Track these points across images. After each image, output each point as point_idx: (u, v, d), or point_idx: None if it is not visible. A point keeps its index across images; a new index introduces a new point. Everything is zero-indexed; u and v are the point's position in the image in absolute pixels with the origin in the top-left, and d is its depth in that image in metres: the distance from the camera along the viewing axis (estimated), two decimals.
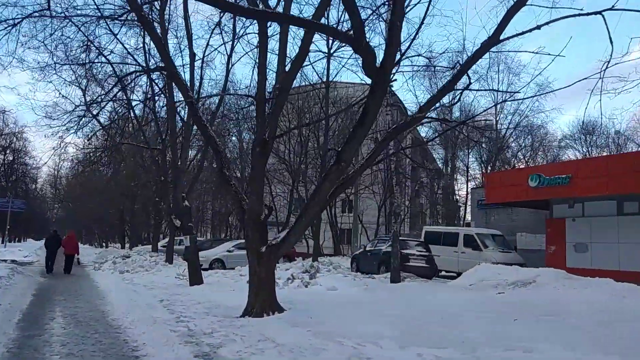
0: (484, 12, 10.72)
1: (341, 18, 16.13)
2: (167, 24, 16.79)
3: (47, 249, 20.39)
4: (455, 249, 20.53)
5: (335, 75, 25.01)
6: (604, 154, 41.20)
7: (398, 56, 10.82)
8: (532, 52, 9.35)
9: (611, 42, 8.82)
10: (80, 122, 15.30)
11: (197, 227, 44.22)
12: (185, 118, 17.96)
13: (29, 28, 12.56)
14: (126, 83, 14.07)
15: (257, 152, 9.73)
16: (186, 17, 15.69)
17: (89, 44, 14.41)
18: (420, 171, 38.61)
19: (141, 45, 18.12)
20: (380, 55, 8.23)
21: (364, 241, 35.21)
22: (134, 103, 20.10)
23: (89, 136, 18.51)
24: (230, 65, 16.78)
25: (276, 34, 11.92)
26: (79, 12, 11.35)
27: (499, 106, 35.90)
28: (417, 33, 7.86)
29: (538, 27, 9.17)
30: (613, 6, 8.25)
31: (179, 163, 16.44)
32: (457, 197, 41.45)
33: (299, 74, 13.83)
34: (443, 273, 20.23)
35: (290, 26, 12.01)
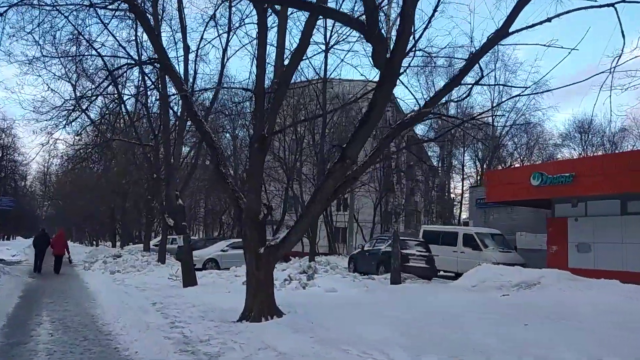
0: (491, 2, 10.28)
1: (340, 7, 15.67)
2: (160, 15, 16.25)
3: (36, 247, 19.94)
4: (454, 249, 20.17)
5: (333, 71, 24.55)
6: (599, 152, 41.14)
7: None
8: (544, 45, 8.89)
9: (623, 35, 8.42)
10: (70, 117, 14.76)
11: (190, 226, 43.64)
12: (178, 113, 17.43)
13: (16, 19, 12.02)
14: (117, 76, 13.51)
15: (256, 148, 9.28)
16: (180, 8, 15.20)
17: (78, 36, 13.87)
18: (416, 169, 38.30)
19: (133, 38, 17.53)
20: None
21: (359, 240, 34.89)
22: (125, 98, 19.52)
23: (79, 132, 17.93)
24: (225, 60, 16.29)
25: (275, 26, 11.43)
26: (68, 0, 10.78)
27: (496, 103, 35.72)
28: (429, 22, 7.37)
29: (549, 20, 8.76)
30: None
31: (172, 160, 15.89)
32: (454, 196, 41.18)
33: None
34: (441, 273, 19.86)
35: (288, 19, 11.57)
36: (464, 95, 10.40)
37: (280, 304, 9.47)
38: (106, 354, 6.49)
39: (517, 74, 36.46)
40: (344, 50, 29.70)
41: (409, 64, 8.64)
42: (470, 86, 8.99)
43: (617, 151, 38.19)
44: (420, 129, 38.51)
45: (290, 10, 11.36)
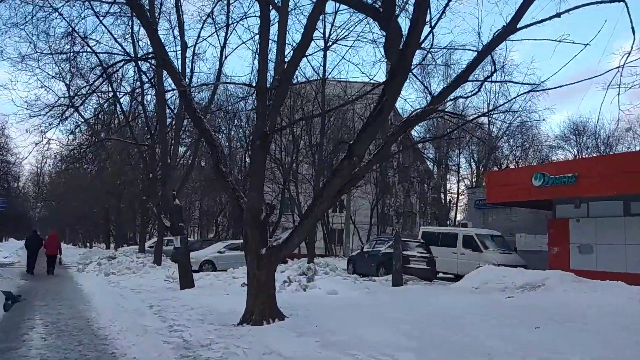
0: None
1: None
2: (158, 10, 15.94)
3: (28, 249, 19.70)
4: (454, 250, 19.93)
5: (333, 69, 24.17)
6: (594, 154, 41.06)
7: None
8: (554, 40, 8.64)
9: (633, 32, 8.20)
10: (63, 116, 14.45)
11: (185, 227, 43.21)
12: (175, 111, 17.09)
13: (9, 15, 11.74)
14: (112, 72, 13.21)
15: (258, 146, 8.99)
16: (177, 3, 14.86)
17: (72, 32, 13.58)
18: (412, 170, 38.07)
19: (128, 35, 17.23)
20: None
21: (356, 242, 34.64)
22: (121, 96, 19.16)
23: (72, 130, 17.59)
24: (223, 58, 16.00)
25: (275, 22, 11.14)
26: None
27: (491, 105, 35.58)
28: (443, 12, 7.08)
29: (558, 15, 8.51)
30: None
31: (169, 159, 15.53)
32: (450, 198, 40.99)
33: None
34: (440, 275, 19.63)
35: (289, 14, 11.28)
36: (475, 91, 10.11)
37: (281, 307, 9.20)
38: None
39: (512, 76, 36.28)
40: (346, 45, 28.79)
41: (424, 58, 8.33)
42: (480, 82, 8.71)
43: (611, 152, 38.12)
44: (415, 130, 38.38)
45: (290, 5, 11.10)
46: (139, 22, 16.43)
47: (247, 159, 36.66)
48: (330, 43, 19.95)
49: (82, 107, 17.78)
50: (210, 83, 16.78)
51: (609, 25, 8.05)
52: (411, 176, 38.92)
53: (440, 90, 9.06)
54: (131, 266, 19.76)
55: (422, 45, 6.91)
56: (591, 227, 16.88)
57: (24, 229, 68.77)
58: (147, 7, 14.59)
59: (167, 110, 17.51)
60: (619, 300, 10.84)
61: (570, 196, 16.47)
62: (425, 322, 8.54)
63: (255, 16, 13.32)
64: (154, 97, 19.72)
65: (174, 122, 16.93)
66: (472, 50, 9.00)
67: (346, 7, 13.59)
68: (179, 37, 15.53)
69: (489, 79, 8.47)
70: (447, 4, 7.19)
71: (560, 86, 17.22)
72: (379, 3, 6.18)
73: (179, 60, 15.25)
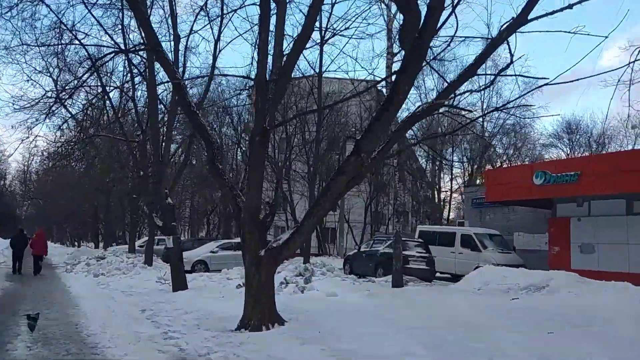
0: None
1: None
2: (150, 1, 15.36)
3: (14, 248, 19.10)
4: (451, 250, 19.56)
5: (331, 64, 23.61)
6: (586, 154, 40.97)
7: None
8: (568, 32, 8.25)
9: None
10: (50, 111, 13.86)
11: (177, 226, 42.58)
12: (167, 105, 16.51)
13: None
14: (101, 63, 12.66)
15: (257, 141, 8.53)
16: None
17: (60, 25, 13.02)
18: (406, 168, 37.68)
19: (118, 28, 16.63)
20: None
21: (349, 241, 34.23)
22: (110, 91, 18.53)
23: (60, 126, 16.97)
24: (217, 52, 15.45)
25: (273, 14, 10.65)
26: None
27: (486, 102, 35.33)
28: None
29: (570, 7, 8.14)
30: None
31: (162, 156, 14.94)
32: (445, 197, 40.76)
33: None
34: (437, 275, 19.26)
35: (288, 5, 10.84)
36: (487, 84, 9.70)
37: (280, 310, 8.76)
38: None
39: (505, 72, 35.93)
40: (347, 36, 27.67)
41: (443, 50, 7.88)
42: (493, 76, 8.31)
43: (603, 152, 37.98)
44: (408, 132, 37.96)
45: None
46: (129, 14, 15.95)
47: (239, 157, 36.22)
48: (330, 35, 19.37)
49: (70, 102, 17.21)
50: (206, 75, 16.18)
51: (605, 21, 7.71)
52: (408, 172, 38.52)
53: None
54: (121, 267, 19.15)
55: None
56: (593, 226, 16.57)
57: (10, 228, 67.64)
58: None
59: (159, 106, 16.89)
60: (632, 302, 10.50)
61: (572, 195, 16.16)
62: (436, 328, 8.11)
63: (254, 4, 12.79)
64: (145, 93, 19.16)
65: (166, 117, 16.34)
66: (481, 38, 8.57)
67: None
68: (171, 29, 14.96)
69: (503, 73, 8.04)
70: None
71: (572, 81, 16.89)
72: None
73: (172, 54, 14.70)
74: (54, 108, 13.90)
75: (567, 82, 7.76)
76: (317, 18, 18.78)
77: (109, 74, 20.49)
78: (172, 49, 14.46)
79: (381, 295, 12.45)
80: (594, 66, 16.80)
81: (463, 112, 13.43)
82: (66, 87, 13.29)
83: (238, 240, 22.71)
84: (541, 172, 16.50)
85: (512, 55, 7.00)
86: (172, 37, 14.87)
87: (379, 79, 16.23)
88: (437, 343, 6.96)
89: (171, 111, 15.66)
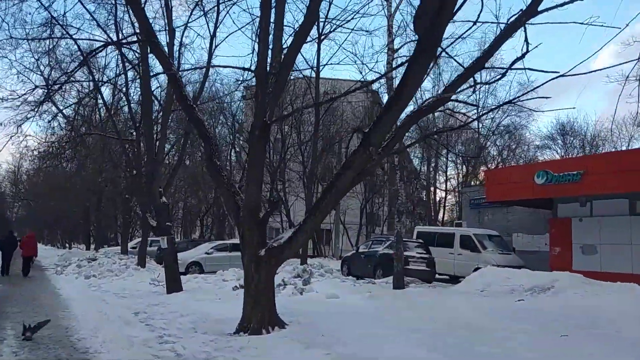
0: None
1: None
2: None
3: (3, 250, 18.72)
4: (450, 251, 19.27)
5: (329, 60, 23.15)
6: (580, 155, 40.86)
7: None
8: (581, 24, 7.93)
9: None
10: (40, 108, 13.43)
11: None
12: (162, 101, 16.05)
13: None
14: (93, 55, 12.22)
15: (257, 136, 8.17)
16: None
17: (52, 20, 12.57)
18: (401, 165, 37.30)
19: (111, 23, 16.15)
20: None
21: (345, 242, 33.94)
22: (102, 86, 17.99)
23: (49, 121, 16.48)
24: (213, 47, 15.06)
25: (272, 6, 10.30)
26: None
27: (481, 102, 35.08)
28: None
29: None
30: None
31: (156, 153, 14.48)
32: (440, 197, 40.55)
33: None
34: (436, 276, 18.95)
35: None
36: (499, 77, 9.38)
37: (280, 313, 8.42)
38: None
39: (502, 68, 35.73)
40: (348, 29, 27.13)
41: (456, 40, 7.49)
42: (505, 69, 8.01)
43: (597, 152, 37.87)
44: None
45: None
46: (123, 8, 15.53)
47: (233, 156, 35.80)
48: (330, 28, 18.99)
49: (61, 99, 16.75)
50: (203, 66, 15.72)
51: (604, 16, 7.41)
52: (404, 173, 38.17)
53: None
54: (113, 268, 18.66)
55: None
56: (595, 227, 16.30)
57: (1, 230, 66.78)
58: None
59: (154, 102, 16.41)
60: (638, 304, 10.23)
61: (575, 194, 15.89)
62: (442, 331, 7.80)
63: None
64: (138, 90, 18.66)
65: (160, 115, 15.91)
66: (490, 23, 8.20)
67: None
68: (166, 23, 14.53)
69: (512, 67, 7.72)
70: None
71: (583, 73, 16.65)
72: None
73: (166, 49, 14.25)
74: (44, 105, 13.46)
75: (579, 74, 7.44)
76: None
77: (101, 70, 20.09)
78: (167, 44, 14.03)
79: (382, 297, 12.12)
80: (591, 65, 16.60)
81: (463, 110, 13.15)
82: (56, 82, 12.82)
83: (233, 241, 22.40)
84: (543, 172, 16.22)
85: (527, 44, 6.61)
86: (167, 32, 14.42)
87: (379, 75, 15.84)
88: (445, 347, 6.66)
89: (166, 108, 15.20)
